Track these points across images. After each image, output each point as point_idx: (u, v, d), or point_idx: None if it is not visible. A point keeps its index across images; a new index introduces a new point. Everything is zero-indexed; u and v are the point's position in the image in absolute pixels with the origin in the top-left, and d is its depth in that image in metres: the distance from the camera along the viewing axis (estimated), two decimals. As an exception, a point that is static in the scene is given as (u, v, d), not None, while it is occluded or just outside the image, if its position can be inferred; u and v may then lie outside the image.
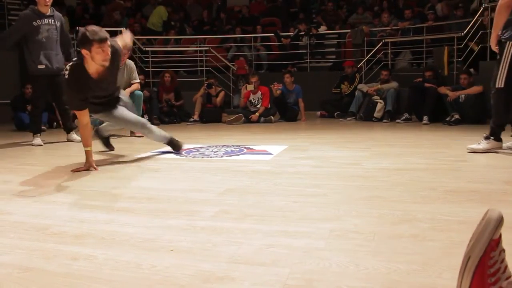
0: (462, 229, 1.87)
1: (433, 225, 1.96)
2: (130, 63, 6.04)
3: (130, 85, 5.89)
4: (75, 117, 7.48)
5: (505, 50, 3.65)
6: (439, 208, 2.23)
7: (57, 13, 5.32)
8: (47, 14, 5.15)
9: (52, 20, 5.20)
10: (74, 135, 5.57)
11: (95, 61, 3.35)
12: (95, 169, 3.51)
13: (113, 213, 2.30)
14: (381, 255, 1.63)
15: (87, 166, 3.53)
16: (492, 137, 3.85)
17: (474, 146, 3.87)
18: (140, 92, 6.03)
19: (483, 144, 3.86)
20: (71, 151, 4.89)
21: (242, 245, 1.76)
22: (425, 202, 2.34)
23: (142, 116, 7.70)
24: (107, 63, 3.39)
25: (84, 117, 3.54)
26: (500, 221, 1.17)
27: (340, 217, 2.11)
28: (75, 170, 3.48)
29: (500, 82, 3.71)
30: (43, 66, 5.13)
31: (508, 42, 3.63)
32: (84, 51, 3.31)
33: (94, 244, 1.82)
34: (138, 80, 6.10)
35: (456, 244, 1.69)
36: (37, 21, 5.09)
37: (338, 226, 1.97)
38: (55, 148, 5.14)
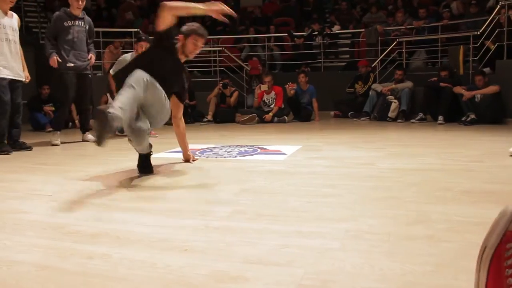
0: (478, 231, 1.84)
1: (449, 226, 1.94)
2: None
3: None
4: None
5: None
6: (455, 209, 2.21)
7: (87, 17, 5.57)
8: (79, 16, 5.39)
9: (82, 23, 5.44)
10: (90, 136, 5.64)
11: (185, 50, 3.39)
12: None
13: (128, 212, 2.32)
14: (396, 256, 1.62)
15: None
16: None
17: None
18: None
19: None
20: (87, 150, 4.94)
21: (257, 245, 1.77)
22: (440, 203, 2.32)
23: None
24: (191, 56, 3.44)
25: None
26: None
27: (355, 218, 2.10)
28: None
29: None
30: (72, 64, 5.33)
31: None
32: (181, 36, 3.39)
33: (109, 243, 1.84)
34: None
35: (472, 245, 1.68)
36: (68, 22, 5.33)
37: (352, 227, 1.96)
38: (70, 148, 5.19)
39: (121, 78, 3.08)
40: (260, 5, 12.51)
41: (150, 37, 5.96)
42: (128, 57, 5.86)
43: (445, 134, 5.55)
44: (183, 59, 3.45)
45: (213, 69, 9.89)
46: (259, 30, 10.96)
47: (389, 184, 2.78)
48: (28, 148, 4.90)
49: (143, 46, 5.77)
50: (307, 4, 12.28)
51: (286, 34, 10.51)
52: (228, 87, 8.30)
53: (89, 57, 5.47)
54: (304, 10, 12.12)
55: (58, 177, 3.33)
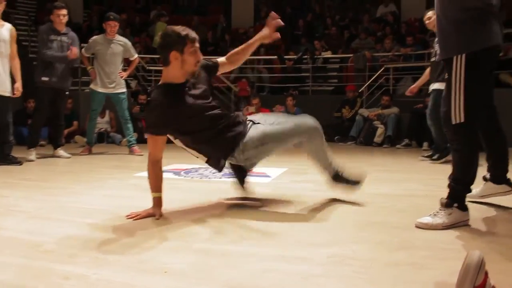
0: (462, 258, 1.83)
1: (432, 253, 1.93)
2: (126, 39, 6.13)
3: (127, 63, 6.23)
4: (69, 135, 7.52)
5: (454, 68, 2.34)
6: (438, 236, 2.20)
7: (72, 33, 5.55)
8: (62, 32, 5.39)
9: (66, 38, 5.41)
10: (61, 151, 5.61)
11: (187, 67, 2.61)
12: (159, 217, 2.57)
13: (108, 232, 2.27)
14: (379, 283, 1.60)
15: (151, 213, 2.59)
16: (455, 204, 2.39)
17: (428, 220, 2.36)
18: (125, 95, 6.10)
19: (441, 217, 2.36)
20: (71, 167, 4.87)
21: (238, 269, 1.73)
22: (424, 230, 2.31)
23: (142, 134, 7.78)
24: (197, 67, 2.67)
25: (159, 150, 2.62)
26: (480, 264, 1.16)
27: (338, 243, 2.08)
28: (133, 217, 2.54)
29: (458, 115, 2.33)
30: (47, 79, 5.27)
31: (456, 57, 2.34)
32: (173, 54, 2.57)
33: (87, 263, 1.79)
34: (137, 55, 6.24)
35: (455, 273, 1.66)
36: (52, 36, 5.32)
37: (335, 252, 1.94)
38: (54, 163, 5.12)
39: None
40: (251, 26, 12.62)
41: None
42: (98, 39, 5.88)
43: (430, 160, 5.57)
44: (190, 77, 2.68)
45: (201, 89, 9.88)
46: (249, 52, 11.02)
47: (373, 210, 2.77)
48: (18, 163, 4.84)
49: (111, 25, 5.78)
50: (298, 28, 12.43)
51: (276, 56, 10.58)
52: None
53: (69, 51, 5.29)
54: (294, 34, 12.25)
55: (40, 193, 3.28)
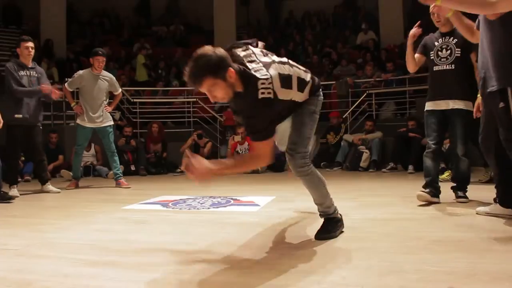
0: (450, 280, 1.87)
1: (421, 276, 1.96)
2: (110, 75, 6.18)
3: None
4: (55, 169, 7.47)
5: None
6: (426, 258, 2.23)
7: (39, 68, 5.57)
8: (29, 66, 5.37)
9: (34, 72, 5.40)
10: (50, 186, 5.51)
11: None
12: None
13: (99, 267, 2.26)
14: (370, 308, 1.61)
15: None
16: None
17: None
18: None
19: None
20: (57, 201, 4.83)
21: (230, 299, 1.74)
22: (412, 253, 2.34)
23: (129, 167, 7.77)
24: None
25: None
26: None
27: (328, 269, 2.09)
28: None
29: None
30: (20, 116, 5.21)
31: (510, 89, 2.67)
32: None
33: (78, 300, 1.78)
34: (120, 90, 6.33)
35: (444, 295, 1.69)
36: (20, 71, 5.27)
37: (325, 279, 1.95)
38: (39, 199, 5.08)
39: None
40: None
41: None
42: (84, 74, 5.90)
43: (415, 183, 5.63)
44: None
45: (186, 120, 9.94)
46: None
47: (361, 235, 2.80)
48: (8, 199, 4.67)
49: (100, 60, 5.82)
50: (280, 57, 12.61)
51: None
52: (203, 137, 8.38)
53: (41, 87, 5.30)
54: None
55: (26, 229, 3.24)
